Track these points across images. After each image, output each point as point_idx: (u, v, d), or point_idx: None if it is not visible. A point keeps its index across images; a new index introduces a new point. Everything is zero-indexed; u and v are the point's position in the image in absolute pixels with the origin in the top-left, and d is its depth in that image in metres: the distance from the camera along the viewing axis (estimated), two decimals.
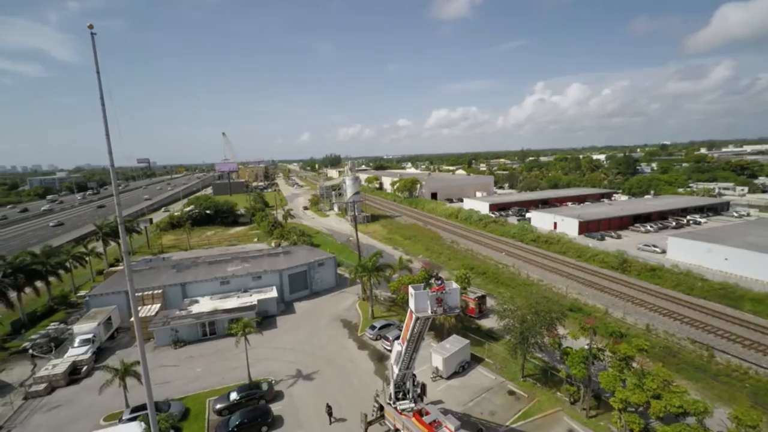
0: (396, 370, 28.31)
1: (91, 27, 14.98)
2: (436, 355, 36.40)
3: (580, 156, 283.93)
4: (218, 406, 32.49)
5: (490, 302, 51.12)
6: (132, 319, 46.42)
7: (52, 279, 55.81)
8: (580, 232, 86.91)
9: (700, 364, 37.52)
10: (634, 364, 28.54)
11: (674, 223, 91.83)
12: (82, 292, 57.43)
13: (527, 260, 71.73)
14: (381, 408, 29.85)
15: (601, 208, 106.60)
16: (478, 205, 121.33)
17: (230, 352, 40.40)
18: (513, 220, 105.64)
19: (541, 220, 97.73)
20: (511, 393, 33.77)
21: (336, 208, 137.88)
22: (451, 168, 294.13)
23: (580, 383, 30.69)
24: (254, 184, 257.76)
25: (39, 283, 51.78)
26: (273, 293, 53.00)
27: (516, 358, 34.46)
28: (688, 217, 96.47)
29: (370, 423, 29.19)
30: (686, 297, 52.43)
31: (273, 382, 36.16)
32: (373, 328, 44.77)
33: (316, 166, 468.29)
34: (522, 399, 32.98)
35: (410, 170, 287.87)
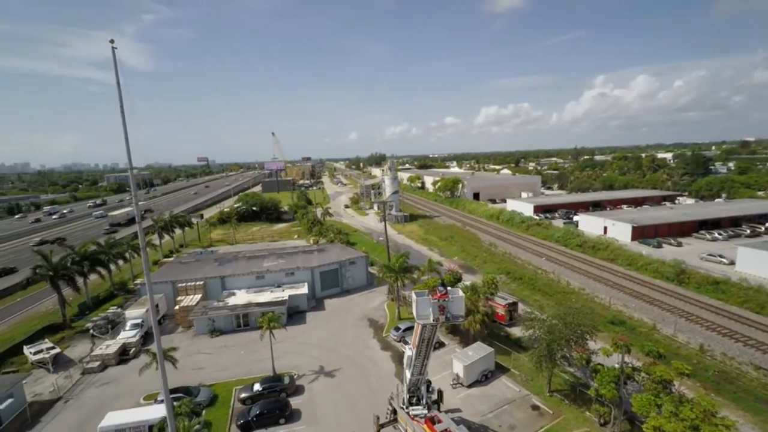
0: (408, 375, 27.96)
1: (112, 42, 16.42)
2: (457, 361, 35.44)
3: (642, 155, 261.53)
4: (243, 395, 34.18)
5: (523, 309, 48.77)
6: (177, 307, 50.41)
7: (113, 267, 61.96)
8: (634, 237, 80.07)
9: (763, 394, 33.02)
10: (674, 389, 25.75)
11: (748, 231, 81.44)
12: (138, 280, 63.11)
13: (569, 266, 67.46)
14: (395, 411, 29.68)
15: (661, 212, 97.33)
16: (522, 206, 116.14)
17: (259, 344, 42.16)
18: (559, 223, 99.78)
19: (589, 224, 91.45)
20: (535, 408, 31.99)
21: (375, 207, 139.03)
22: (497, 167, 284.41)
23: (612, 404, 28.30)
24: (300, 182, 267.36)
25: (102, 271, 57.62)
26: (304, 289, 54.66)
27: (541, 371, 32.56)
28: None
29: (382, 425, 29.12)
30: (754, 316, 46.33)
31: (295, 376, 37.34)
32: (397, 329, 44.61)
33: (361, 164, 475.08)
34: (546, 415, 31.12)
35: (454, 169, 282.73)
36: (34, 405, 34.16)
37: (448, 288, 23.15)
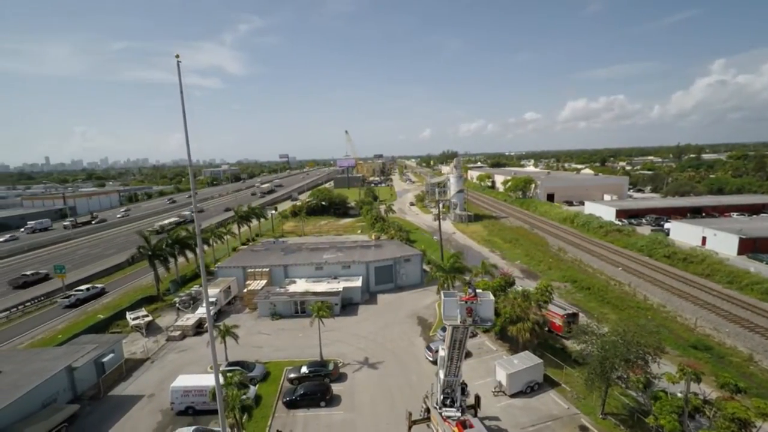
0: (441, 376, 27.78)
1: (177, 57, 19.11)
2: (501, 369, 34.06)
3: None
4: (291, 375, 36.95)
5: (585, 322, 44.76)
6: (245, 290, 55.83)
7: (198, 251, 70.61)
8: (741, 251, 68.20)
9: None
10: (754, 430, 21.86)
11: None
12: (218, 264, 71.08)
13: (650, 279, 59.95)
14: (428, 410, 29.71)
15: None
16: (602, 209, 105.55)
17: (312, 331, 44.99)
18: (645, 230, 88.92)
19: (683, 233, 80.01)
20: (584, 429, 29.45)
21: (441, 205, 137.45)
22: (579, 166, 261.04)
23: None
24: (371, 179, 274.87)
25: (189, 254, 66.11)
26: (358, 283, 56.69)
27: (591, 391, 29.79)
28: None
29: (415, 422, 29.33)
30: None
31: (340, 363, 39.21)
32: (444, 330, 44.05)
33: (431, 162, 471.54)
34: None
35: (529, 168, 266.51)
36: (129, 361, 40.87)
37: (478, 291, 22.49)
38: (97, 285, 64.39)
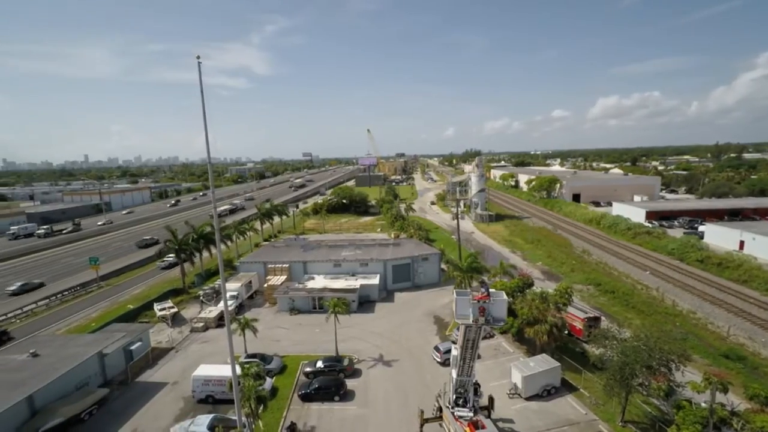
0: (454, 375, 27.66)
1: (198, 58, 19.90)
2: (516, 371, 33.53)
3: None
4: (307, 369, 37.69)
5: (607, 326, 43.35)
6: (266, 285, 57.24)
7: (223, 246, 73.01)
8: None
9: None
10: None
11: None
12: (241, 259, 73.18)
13: (680, 284, 57.31)
14: (441, 409, 29.66)
15: None
16: (631, 211, 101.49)
17: (329, 327, 45.64)
18: (677, 232, 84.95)
19: (719, 236, 75.93)
20: None
21: (462, 204, 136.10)
22: (608, 166, 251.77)
23: None
24: (392, 177, 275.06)
25: (213, 249, 68.33)
26: (375, 280, 57.02)
27: (610, 397, 28.86)
28: None
29: (427, 420, 29.34)
30: None
31: (355, 360, 39.65)
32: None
33: (454, 161, 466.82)
34: None
35: (555, 167, 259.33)
36: (155, 350, 42.79)
37: (491, 290, 22.26)
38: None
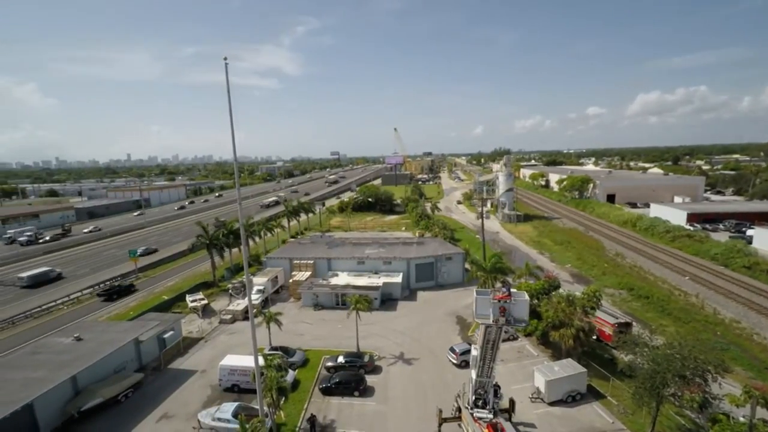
0: (473, 376, 27.35)
1: (225, 59, 20.69)
2: (539, 375, 32.67)
3: None
4: (328, 363, 38.35)
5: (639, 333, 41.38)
6: (291, 280, 58.60)
7: (251, 242, 75.48)
8: None
9: None
10: None
11: None
12: (268, 254, 75.34)
13: (723, 292, 53.74)
14: (460, 409, 29.41)
15: None
16: (671, 212, 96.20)
17: (351, 323, 46.19)
18: (722, 236, 79.74)
19: None
20: None
21: (488, 204, 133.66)
22: (647, 165, 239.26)
23: None
24: (419, 176, 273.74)
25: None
26: (398, 279, 57.14)
27: (640, 407, 27.54)
28: None
29: (445, 419, 29.15)
30: None
31: (376, 356, 39.94)
32: None
33: (482, 160, 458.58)
34: None
35: (588, 167, 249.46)
36: (186, 339, 44.90)
37: (512, 290, 21.80)
38: None
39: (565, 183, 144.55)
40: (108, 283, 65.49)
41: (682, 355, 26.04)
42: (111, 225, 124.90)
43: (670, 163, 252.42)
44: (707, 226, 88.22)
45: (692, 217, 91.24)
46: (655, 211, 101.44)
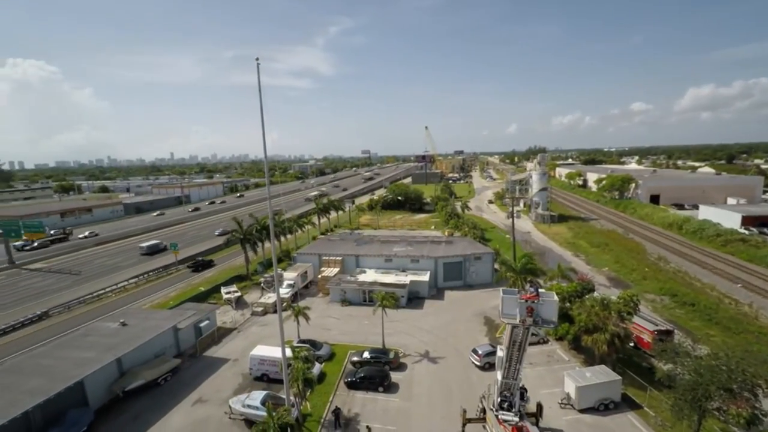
0: (499, 377, 26.83)
1: (257, 60, 21.47)
2: (570, 380, 31.51)
3: None
4: (354, 358, 38.90)
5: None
6: (319, 276, 59.83)
7: (282, 238, 77.79)
8: None
9: None
10: None
11: None
12: (299, 250, 77.28)
13: None
14: (484, 411, 28.97)
15: None
16: (723, 215, 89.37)
17: (377, 320, 46.52)
18: None
19: None
20: None
21: (521, 204, 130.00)
22: (696, 164, 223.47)
23: None
24: (449, 175, 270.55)
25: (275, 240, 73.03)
26: (425, 277, 56.86)
27: (680, 420, 25.88)
28: None
29: (469, 420, 28.80)
30: None
31: (401, 354, 40.06)
32: None
33: (516, 158, 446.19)
34: None
35: (631, 166, 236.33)
36: (221, 329, 47.05)
37: (540, 290, 21.17)
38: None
39: (604, 182, 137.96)
40: (197, 259, 76.47)
41: (728, 366, 24.27)
42: (134, 224, 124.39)
43: (723, 161, 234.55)
44: (765, 230, 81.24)
45: (747, 220, 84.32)
46: (705, 212, 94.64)
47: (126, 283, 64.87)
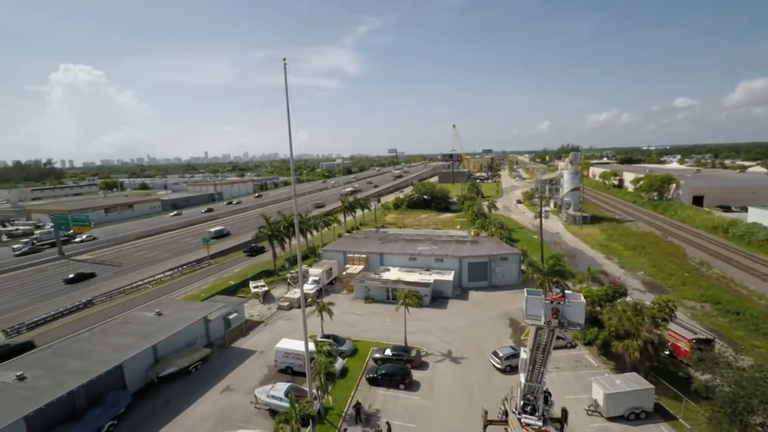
0: (522, 380, 26.26)
1: (284, 60, 22.04)
2: (598, 386, 30.37)
3: None
4: (376, 355, 39.21)
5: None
6: (344, 273, 60.62)
7: (309, 235, 79.43)
8: None
9: None
10: None
11: None
12: (324, 247, 78.55)
13: None
14: (506, 413, 28.44)
15: None
16: None
17: (400, 318, 46.61)
18: None
19: None
20: None
21: (551, 204, 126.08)
22: (747, 164, 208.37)
23: None
24: (477, 174, 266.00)
25: (301, 237, 74.59)
26: (450, 277, 56.38)
27: None
28: None
29: (491, 422, 28.37)
30: None
31: (423, 352, 39.98)
32: None
33: (547, 157, 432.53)
34: None
35: (672, 165, 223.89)
36: (248, 322, 48.65)
37: (566, 291, 20.53)
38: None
39: (641, 183, 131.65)
40: (251, 246, 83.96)
41: None
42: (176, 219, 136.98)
43: None
44: None
45: None
46: (754, 215, 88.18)
47: (161, 275, 68.30)
